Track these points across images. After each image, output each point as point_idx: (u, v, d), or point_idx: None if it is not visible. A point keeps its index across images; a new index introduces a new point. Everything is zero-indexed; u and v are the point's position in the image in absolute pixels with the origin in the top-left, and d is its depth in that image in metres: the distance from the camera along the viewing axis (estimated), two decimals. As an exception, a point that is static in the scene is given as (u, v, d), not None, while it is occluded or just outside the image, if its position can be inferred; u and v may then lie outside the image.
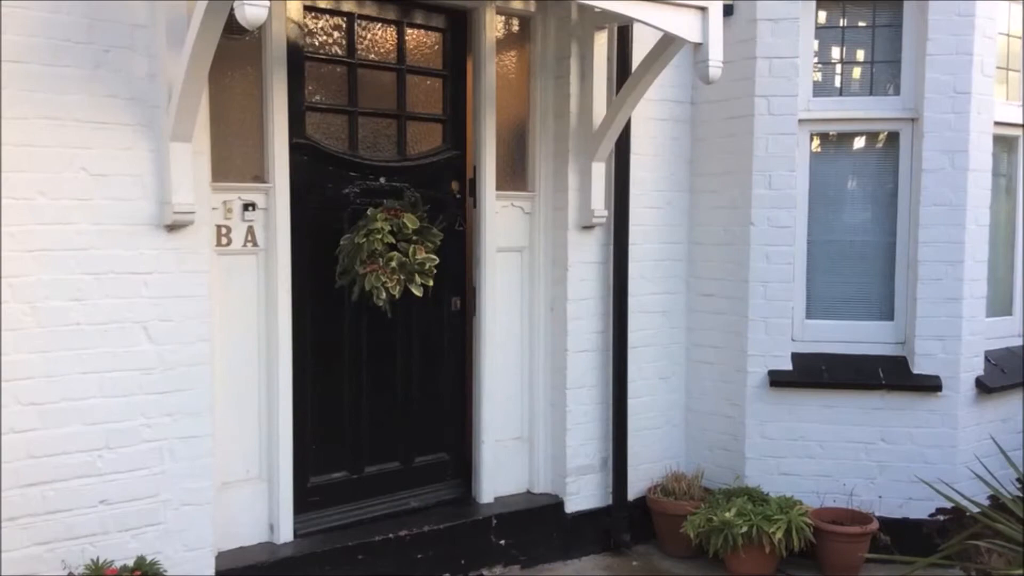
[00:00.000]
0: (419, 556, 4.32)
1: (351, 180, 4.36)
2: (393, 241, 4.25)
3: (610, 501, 4.97)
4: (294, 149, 4.15)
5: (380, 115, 4.49)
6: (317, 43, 4.25)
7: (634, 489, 5.02)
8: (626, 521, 4.93)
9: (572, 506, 4.85)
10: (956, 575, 3.98)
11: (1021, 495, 3.59)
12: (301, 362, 4.19)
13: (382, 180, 4.45)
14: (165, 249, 3.61)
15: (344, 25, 4.31)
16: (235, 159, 4.02)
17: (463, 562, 4.44)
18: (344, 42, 4.33)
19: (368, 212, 4.22)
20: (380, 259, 4.19)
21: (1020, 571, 3.08)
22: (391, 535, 4.27)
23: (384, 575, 4.23)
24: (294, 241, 4.13)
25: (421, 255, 4.27)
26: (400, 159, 4.54)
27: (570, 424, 4.85)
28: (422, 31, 4.58)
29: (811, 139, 5.00)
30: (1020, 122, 5.19)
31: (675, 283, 5.25)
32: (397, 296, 4.21)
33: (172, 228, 3.61)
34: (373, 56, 4.43)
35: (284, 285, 4.08)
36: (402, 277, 4.23)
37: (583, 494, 4.90)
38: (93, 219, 3.46)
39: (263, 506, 4.11)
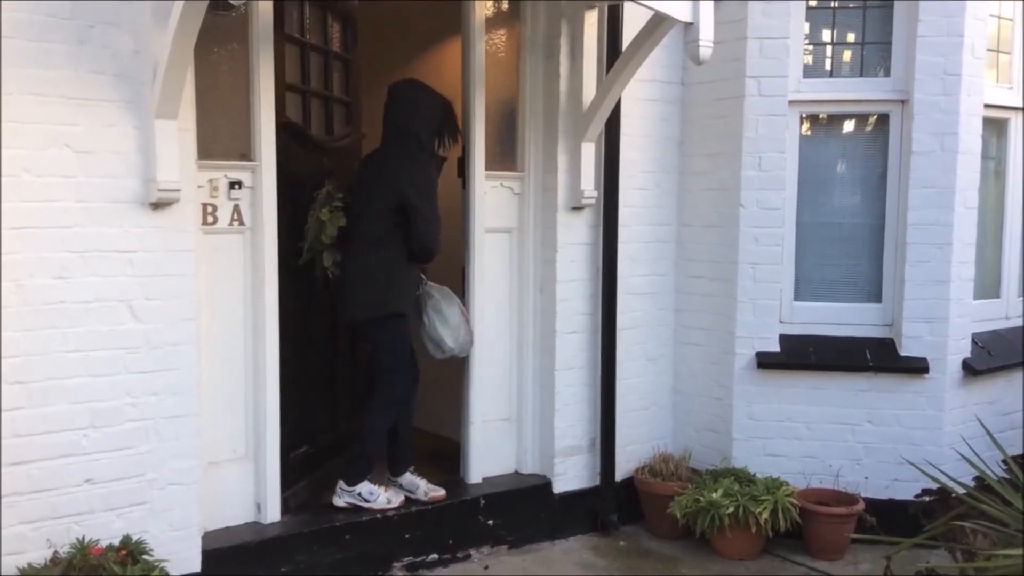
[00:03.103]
0: (407, 536, 4.32)
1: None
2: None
3: (598, 482, 4.97)
4: (281, 127, 4.11)
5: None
6: (302, 24, 4.21)
7: (622, 470, 5.03)
8: (614, 502, 4.95)
9: (560, 487, 4.86)
10: (941, 556, 4.00)
11: (1007, 476, 3.60)
12: (287, 341, 4.16)
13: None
14: (150, 227, 3.58)
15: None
16: (221, 137, 3.98)
17: (451, 542, 4.45)
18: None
19: (325, 189, 4.24)
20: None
21: (1005, 551, 3.09)
22: (379, 515, 4.27)
23: (372, 554, 4.23)
24: (281, 220, 4.10)
25: None
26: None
27: (559, 405, 4.85)
28: (410, 9, 4.55)
29: (801, 121, 4.98)
30: (1010, 104, 5.19)
31: (664, 265, 5.24)
32: None
33: (157, 206, 3.57)
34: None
35: (271, 264, 4.05)
36: None
37: (571, 475, 4.91)
38: (78, 197, 3.42)
39: (250, 485, 4.10)
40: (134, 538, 3.46)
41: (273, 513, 4.10)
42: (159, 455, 3.63)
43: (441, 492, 4.47)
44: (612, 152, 4.87)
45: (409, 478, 4.45)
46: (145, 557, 3.40)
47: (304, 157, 4.30)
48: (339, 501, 4.26)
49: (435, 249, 4.27)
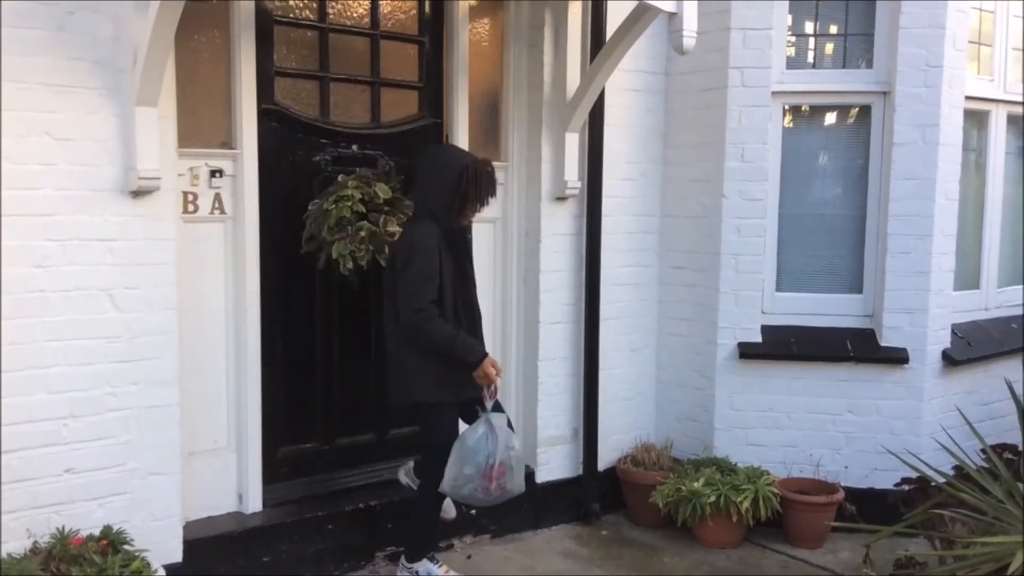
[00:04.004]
0: (390, 526, 4.32)
1: (322, 147, 4.30)
2: (363, 210, 4.19)
3: (580, 471, 4.99)
4: (263, 115, 4.09)
5: (353, 81, 4.43)
6: (287, 7, 4.17)
7: (604, 460, 5.05)
8: (596, 491, 4.97)
9: (543, 476, 4.87)
10: (920, 544, 4.04)
11: (986, 466, 3.63)
12: (270, 331, 4.16)
13: (355, 148, 4.39)
14: (131, 216, 3.55)
15: (315, -11, 4.25)
16: (202, 125, 3.96)
17: (434, 532, 4.45)
18: (315, 6, 4.26)
19: (339, 178, 4.17)
20: (349, 227, 4.15)
21: (983, 539, 3.13)
22: (361, 505, 4.27)
23: (355, 544, 4.23)
24: (263, 209, 4.07)
25: (393, 227, 4.23)
26: (374, 126, 4.48)
27: (542, 395, 4.86)
28: (397, -4, 4.51)
29: (784, 112, 5.00)
30: (991, 97, 5.22)
31: (647, 256, 5.25)
32: (365, 266, 4.18)
33: (137, 194, 3.54)
34: (345, 21, 4.36)
35: (252, 253, 4.03)
36: (371, 247, 4.19)
37: (553, 464, 4.92)
38: (58, 185, 3.38)
39: (232, 476, 4.09)
40: (115, 528, 3.43)
41: (255, 504, 4.09)
42: (140, 445, 3.61)
43: None
44: (596, 142, 4.87)
45: (427, 566, 4.06)
46: (126, 547, 3.38)
47: (305, 144, 4.25)
48: (400, 574, 4.06)
49: (410, 321, 3.70)
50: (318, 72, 4.31)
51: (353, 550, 4.23)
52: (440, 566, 4.10)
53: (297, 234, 4.19)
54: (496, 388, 3.82)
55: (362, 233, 4.16)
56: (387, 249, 4.21)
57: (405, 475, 4.16)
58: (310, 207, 4.18)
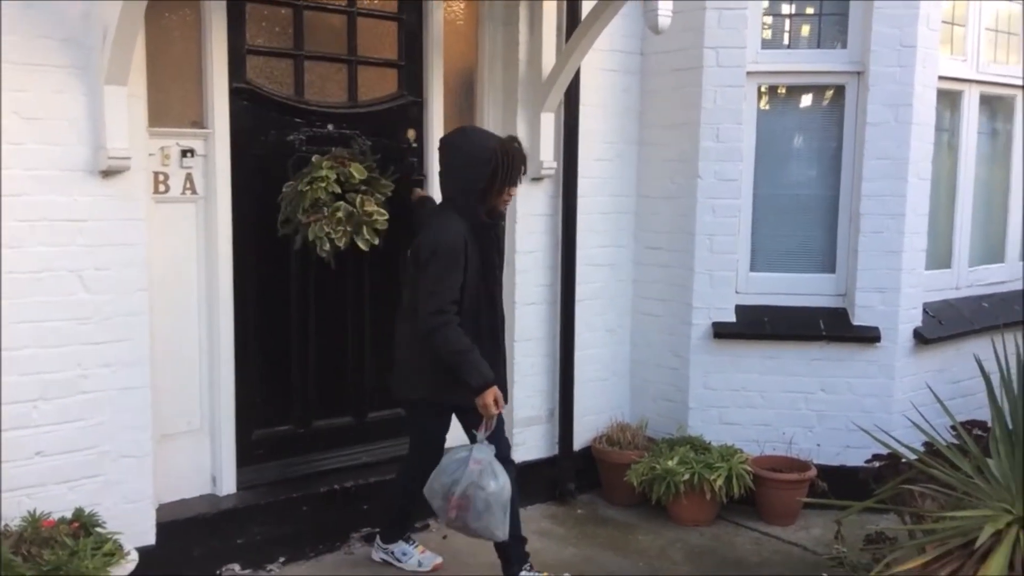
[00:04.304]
0: (365, 507, 4.32)
1: (296, 127, 4.26)
2: (339, 191, 4.15)
3: (556, 451, 5.01)
4: (234, 94, 4.04)
5: (328, 59, 4.38)
6: (259, -17, 4.13)
7: (580, 440, 5.07)
8: (572, 471, 4.99)
9: (519, 456, 4.85)
10: (891, 520, 4.09)
11: (956, 442, 3.68)
12: (243, 313, 4.13)
13: (330, 127, 4.36)
14: (100, 196, 3.51)
15: (288, -35, 4.19)
16: (173, 104, 3.91)
17: (410, 512, 4.46)
18: (288, -18, 4.22)
19: (313, 159, 4.14)
20: (325, 209, 4.11)
21: (952, 514, 3.17)
22: (336, 486, 4.27)
23: (330, 525, 4.23)
24: (235, 189, 4.04)
25: (370, 207, 4.20)
26: (350, 105, 4.44)
27: (518, 376, 4.86)
28: (373, -27, 4.47)
29: (759, 92, 5.01)
30: (964, 77, 5.25)
31: (623, 236, 5.26)
32: (342, 248, 4.15)
33: (107, 174, 3.50)
34: (321, -3, 4.32)
35: (224, 233, 4.00)
36: (348, 229, 4.16)
37: (529, 445, 4.94)
38: (26, 165, 3.33)
39: (205, 458, 4.07)
40: (87, 511, 3.40)
41: (229, 486, 4.08)
42: (112, 427, 3.58)
43: (439, 560, 4.17)
44: (572, 122, 4.86)
45: (402, 547, 4.14)
46: (98, 529, 3.35)
47: (279, 123, 4.21)
48: (375, 555, 4.16)
49: (427, 323, 3.53)
50: (292, 50, 4.26)
51: (328, 531, 4.23)
52: (416, 546, 4.13)
53: (272, 216, 4.15)
54: (492, 423, 3.63)
55: (339, 214, 4.13)
56: (364, 230, 4.19)
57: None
58: (284, 189, 4.15)
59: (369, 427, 4.60)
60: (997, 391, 3.33)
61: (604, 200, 5.11)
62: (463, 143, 3.70)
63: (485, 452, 3.60)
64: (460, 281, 3.53)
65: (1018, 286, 5.77)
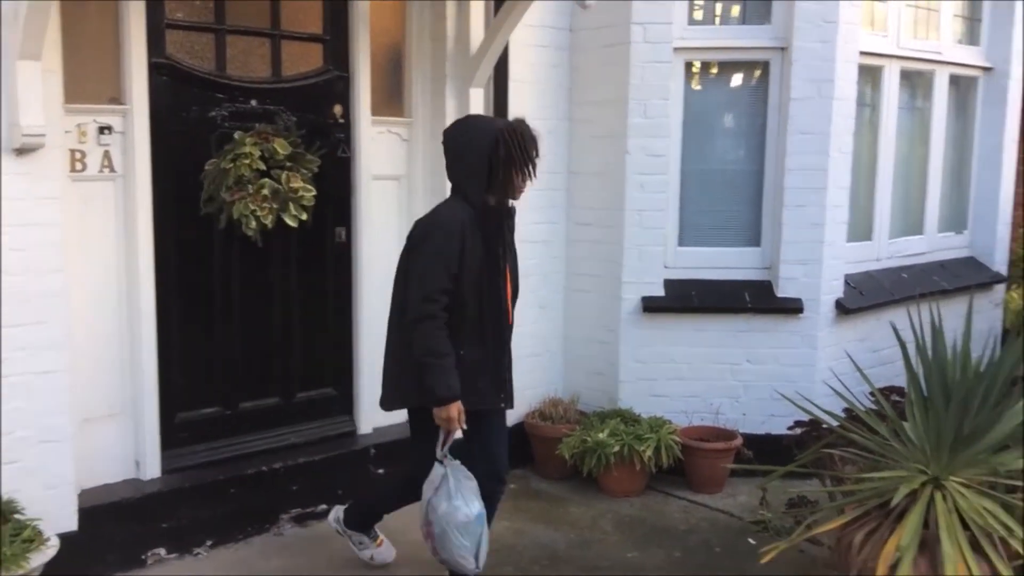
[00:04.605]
0: (294, 488, 4.28)
1: (218, 102, 4.17)
2: (264, 167, 4.11)
3: (491, 427, 5.02)
4: (154, 69, 3.94)
5: (251, 33, 4.29)
6: (177, -45, 4.02)
7: (513, 415, 5.03)
8: (505, 446, 5.01)
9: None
10: (814, 485, 4.20)
11: (874, 408, 3.79)
12: (166, 294, 4.04)
13: (253, 103, 4.27)
14: (14, 174, 3.39)
15: (207, -64, 4.09)
16: (90, 79, 3.79)
17: (340, 492, 4.42)
18: (207, -45, 4.12)
19: (236, 136, 4.07)
20: (249, 186, 4.06)
21: (869, 475, 3.27)
22: (264, 468, 4.22)
23: (258, 507, 4.19)
24: (155, 167, 3.94)
25: (296, 183, 4.15)
26: (274, 81, 4.36)
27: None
28: (296, -57, 4.38)
29: (686, 68, 5.05)
30: (885, 52, 5.35)
31: (555, 212, 5.27)
32: (269, 226, 4.10)
33: (21, 152, 3.39)
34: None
35: (144, 212, 3.91)
36: (275, 206, 4.12)
37: (463, 421, 4.93)
38: (-65, 142, 3.23)
39: (128, 442, 3.99)
40: (5, 497, 3.33)
41: (153, 470, 4.01)
42: (30, 412, 3.49)
43: (391, 558, 3.97)
44: (501, 98, 4.85)
45: (360, 536, 3.93)
46: (17, 516, 3.28)
47: (200, 99, 4.11)
48: (332, 523, 3.95)
49: (415, 310, 3.23)
50: (213, 24, 4.16)
51: (256, 513, 4.18)
52: (376, 540, 3.95)
53: (195, 194, 4.08)
54: (451, 439, 3.31)
55: (264, 191, 4.08)
56: (291, 206, 4.14)
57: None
58: (207, 166, 4.07)
59: (297, 408, 4.55)
60: (913, 358, 3.43)
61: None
62: (465, 129, 3.43)
63: (439, 470, 3.32)
64: (454, 270, 3.22)
65: (936, 257, 5.95)
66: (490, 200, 3.34)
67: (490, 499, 3.46)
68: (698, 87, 5.15)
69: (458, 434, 3.33)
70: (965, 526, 3.04)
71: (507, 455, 3.59)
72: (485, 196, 3.32)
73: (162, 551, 3.91)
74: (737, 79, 5.21)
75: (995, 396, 3.19)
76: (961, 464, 3.18)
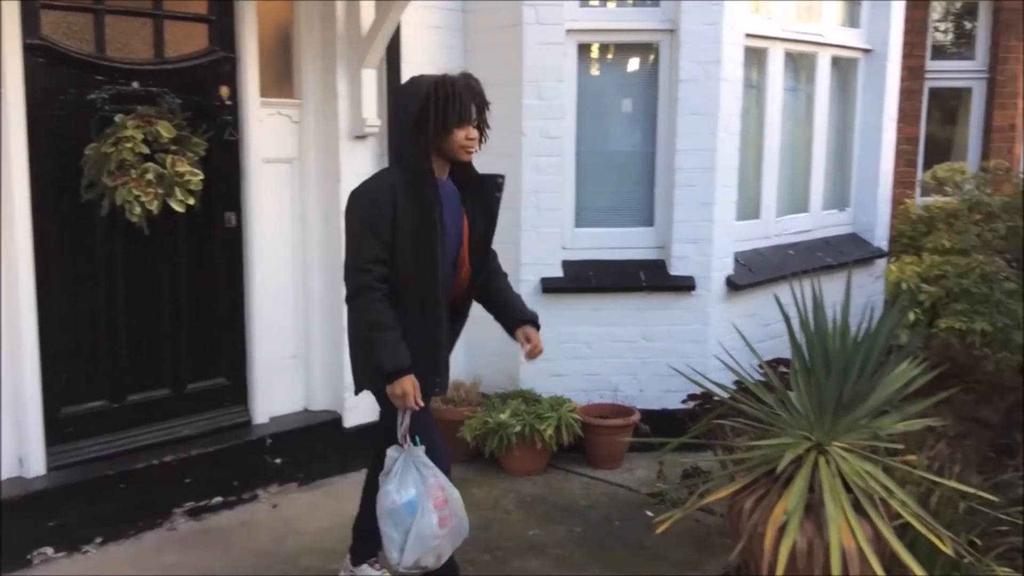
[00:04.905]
0: (187, 481, 4.18)
1: (98, 85, 4.02)
2: (147, 151, 3.98)
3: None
4: (29, 51, 3.78)
5: (132, 13, 4.15)
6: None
7: (415, 400, 5.06)
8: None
9: (351, 420, 4.83)
10: (708, 457, 4.31)
11: (763, 379, 3.90)
12: (46, 285, 3.88)
13: (135, 85, 4.13)
14: None
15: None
16: (-45, 61, 3.61)
17: (236, 484, 4.34)
18: (82, -71, 3.95)
19: (117, 119, 3.92)
20: (132, 171, 3.93)
21: (757, 443, 3.37)
22: (155, 461, 4.10)
23: (150, 502, 4.07)
24: (32, 152, 3.79)
25: (182, 167, 4.03)
26: (157, 62, 4.22)
27: (347, 340, 4.78)
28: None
29: (580, 50, 5.09)
30: (769, 34, 5.49)
31: (452, 195, 5.24)
32: (155, 211, 3.98)
33: None
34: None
35: (21, 200, 3.75)
36: (160, 191, 3.99)
37: (361, 408, 4.84)
38: None
39: (11, 440, 3.83)
40: None
41: (38, 467, 3.87)
42: None
43: None
44: (395, 79, 4.79)
45: (364, 570, 3.54)
46: None
47: (79, 81, 3.95)
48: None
49: (352, 283, 3.03)
50: (92, 4, 4.01)
51: (148, 508, 4.07)
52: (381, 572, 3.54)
53: (75, 180, 3.93)
54: (407, 416, 3.07)
55: (148, 176, 3.95)
56: (177, 191, 4.02)
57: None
58: (87, 151, 3.92)
59: (188, 399, 4.43)
60: (797, 332, 3.54)
61: (430, 159, 5.08)
62: (402, 90, 3.16)
63: (392, 455, 3.09)
64: (387, 238, 2.98)
65: (821, 234, 6.16)
66: (432, 163, 3.04)
67: None
68: (593, 70, 5.20)
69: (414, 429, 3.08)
70: (848, 489, 3.15)
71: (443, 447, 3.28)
72: (423, 159, 3.02)
73: (49, 550, 3.77)
74: (630, 62, 5.28)
75: (872, 364, 3.32)
76: (843, 430, 3.31)
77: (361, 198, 3.06)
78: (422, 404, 3.08)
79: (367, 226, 3.00)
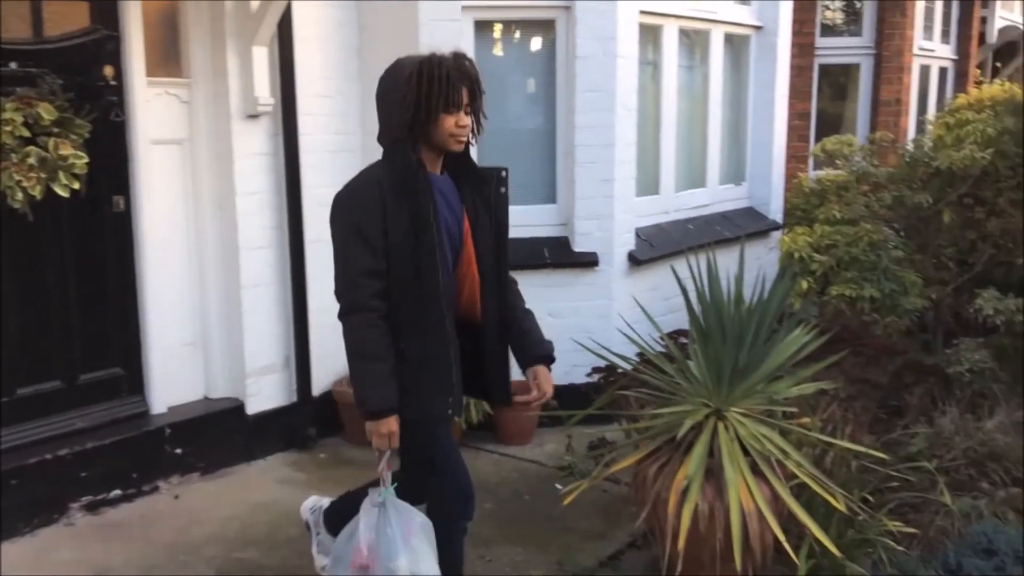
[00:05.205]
0: (84, 474, 4.03)
1: (-29, 66, 3.82)
2: (28, 135, 3.81)
3: (295, 399, 4.91)
4: None
5: (8, -9, 3.94)
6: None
7: (319, 385, 5.00)
8: (312, 416, 4.92)
9: (254, 407, 4.74)
10: (615, 429, 4.38)
11: (663, 351, 3.98)
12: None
13: (13, 65, 3.92)
14: None
15: None
16: None
17: (135, 476, 4.21)
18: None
19: None
20: (13, 155, 3.75)
21: (658, 411, 3.44)
22: (48, 456, 3.95)
23: (44, 498, 3.92)
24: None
25: (66, 150, 3.87)
26: (36, 42, 4.02)
27: (247, 325, 4.70)
28: None
29: (478, 27, 5.06)
30: (664, 12, 5.56)
31: (351, 175, 5.15)
32: (38, 196, 3.81)
33: None
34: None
35: None
36: (43, 175, 3.83)
37: (265, 394, 4.80)
38: None
39: None
40: None
41: (-86, 468, 3.67)
42: None
43: None
44: (287, 57, 4.69)
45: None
46: None
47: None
48: (306, 515, 3.38)
49: (343, 300, 2.69)
50: (-41, -20, 3.79)
51: (43, 504, 3.92)
52: None
53: (-51, 166, 3.72)
54: (386, 457, 2.80)
55: (30, 160, 3.79)
56: (61, 175, 3.86)
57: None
58: None
59: (82, 390, 4.26)
60: (695, 302, 3.62)
61: (328, 138, 5.00)
62: (385, 76, 2.75)
63: (376, 496, 2.82)
64: (379, 243, 2.64)
65: (719, 208, 6.30)
66: (408, 150, 2.68)
67: (453, 535, 2.94)
68: (490, 46, 5.19)
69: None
70: (746, 452, 3.25)
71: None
72: (410, 151, 2.67)
73: (-66, 555, 3.60)
74: (530, 39, 5.28)
75: (766, 331, 3.42)
76: (740, 395, 3.40)
77: (345, 202, 2.71)
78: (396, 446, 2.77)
79: (355, 234, 2.64)
